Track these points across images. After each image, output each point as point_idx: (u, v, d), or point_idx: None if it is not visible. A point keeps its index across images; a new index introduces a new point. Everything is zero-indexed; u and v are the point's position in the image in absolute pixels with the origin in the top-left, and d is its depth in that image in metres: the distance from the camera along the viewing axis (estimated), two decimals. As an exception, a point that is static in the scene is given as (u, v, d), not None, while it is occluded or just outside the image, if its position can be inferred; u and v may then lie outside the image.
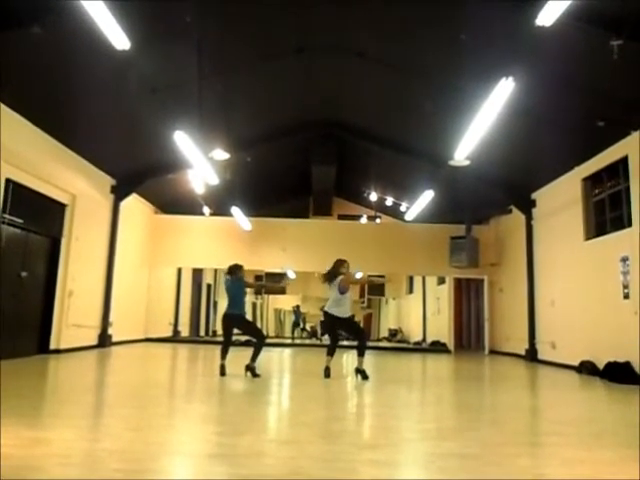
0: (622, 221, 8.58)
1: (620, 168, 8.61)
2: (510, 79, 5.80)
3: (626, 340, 8.00)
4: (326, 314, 7.33)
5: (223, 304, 21.80)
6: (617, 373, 7.87)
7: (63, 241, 9.65)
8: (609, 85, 7.13)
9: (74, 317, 9.84)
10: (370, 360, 7.17)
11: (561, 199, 10.44)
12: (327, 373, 7.04)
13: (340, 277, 7.14)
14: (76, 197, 9.91)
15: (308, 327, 22.25)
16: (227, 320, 7.32)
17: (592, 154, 9.17)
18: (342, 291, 7.11)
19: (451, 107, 8.47)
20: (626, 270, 8.19)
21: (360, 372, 7.00)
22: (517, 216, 12.25)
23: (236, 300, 7.28)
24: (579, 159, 9.53)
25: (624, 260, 8.23)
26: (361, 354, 7.09)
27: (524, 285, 11.78)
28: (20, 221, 8.34)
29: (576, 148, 9.12)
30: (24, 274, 8.49)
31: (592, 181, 9.65)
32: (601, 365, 8.45)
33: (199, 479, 2.83)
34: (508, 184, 11.73)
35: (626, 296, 8.18)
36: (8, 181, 7.83)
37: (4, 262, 7.74)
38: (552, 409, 5.69)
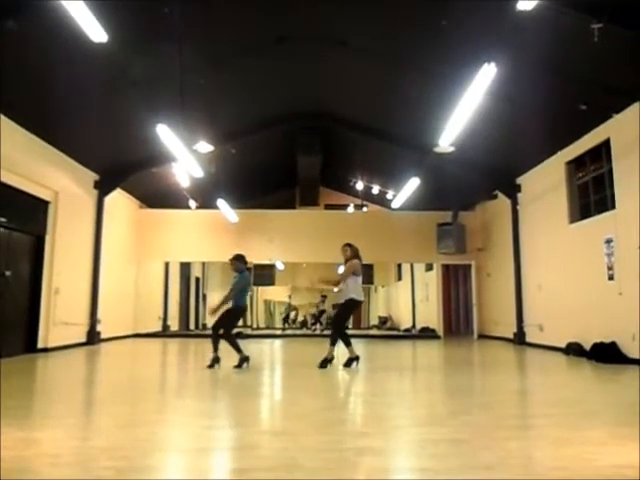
0: (606, 203, 8.67)
1: (603, 151, 8.69)
2: (492, 64, 5.79)
3: (612, 321, 8.13)
4: (355, 301, 7.26)
5: (213, 297, 21.58)
6: (604, 353, 7.99)
7: (47, 238, 9.53)
8: (591, 69, 7.16)
9: (61, 315, 9.75)
10: (360, 348, 7.19)
11: (545, 183, 10.52)
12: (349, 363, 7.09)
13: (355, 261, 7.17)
14: (59, 194, 9.78)
15: (300, 317, 22.38)
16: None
17: (575, 138, 9.24)
18: (358, 274, 7.17)
19: (435, 94, 8.48)
20: (610, 252, 8.29)
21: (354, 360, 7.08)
22: (502, 201, 12.33)
23: None
24: (562, 143, 9.61)
25: (608, 242, 8.33)
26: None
27: (511, 269, 11.89)
28: (2, 220, 8.22)
29: (559, 132, 9.18)
30: (8, 273, 8.39)
31: (576, 164, 9.73)
32: (588, 346, 8.57)
33: (191, 474, 2.82)
34: (493, 169, 11.79)
35: (611, 277, 8.29)
36: (-12, 179, 7.71)
37: (-13, 262, 7.62)
38: (541, 391, 5.77)
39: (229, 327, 7.16)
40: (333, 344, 7.13)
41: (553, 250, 10.23)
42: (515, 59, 6.64)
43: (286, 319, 22.16)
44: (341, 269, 7.32)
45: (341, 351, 7.51)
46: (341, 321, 7.68)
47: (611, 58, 6.69)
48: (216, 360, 6.96)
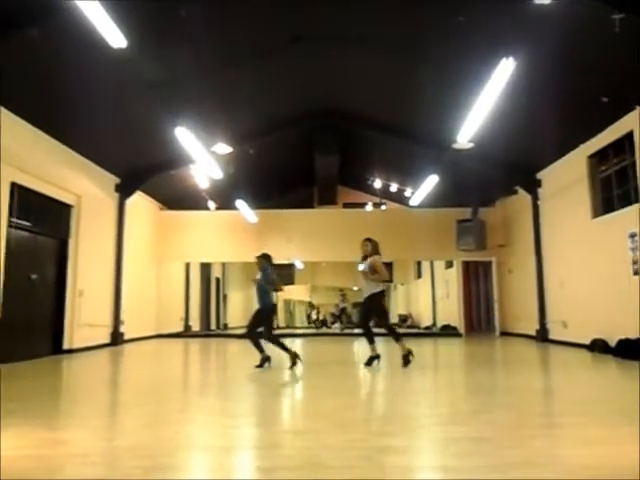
0: (629, 197, 8.50)
1: (626, 143, 8.53)
2: (511, 59, 5.74)
3: (638, 316, 7.97)
4: (383, 293, 7.28)
5: (233, 297, 21.74)
6: (630, 350, 7.85)
7: (71, 242, 9.70)
8: (612, 60, 7.03)
9: (85, 316, 9.92)
10: (381, 346, 7.18)
11: (567, 178, 10.36)
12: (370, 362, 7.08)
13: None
14: (81, 197, 9.95)
15: (320, 316, 22.47)
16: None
17: (597, 131, 9.08)
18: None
19: (453, 90, 8.41)
20: (635, 246, 8.14)
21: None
22: (523, 197, 12.18)
23: None
24: (584, 136, 9.45)
25: (632, 236, 8.17)
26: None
27: (533, 265, 11.74)
28: (27, 224, 8.39)
29: (580, 126, 9.03)
30: (34, 276, 8.56)
31: (598, 158, 9.56)
32: (613, 342, 8.43)
33: (216, 472, 2.85)
34: (513, 165, 11.66)
35: (636, 272, 8.13)
36: (14, 185, 7.87)
37: (14, 266, 7.79)
38: (566, 389, 5.69)
39: (268, 328, 7.21)
40: (397, 339, 7.07)
41: (576, 245, 10.08)
42: (534, 53, 6.57)
43: (308, 318, 22.34)
44: (361, 266, 7.24)
45: (363, 350, 7.50)
46: (382, 316, 7.65)
47: (633, 48, 6.55)
48: (266, 359, 7.02)
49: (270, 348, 7.08)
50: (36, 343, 8.67)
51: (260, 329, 7.15)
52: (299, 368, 6.87)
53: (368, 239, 7.27)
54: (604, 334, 8.83)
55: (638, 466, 2.61)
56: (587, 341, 9.19)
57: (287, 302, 25.53)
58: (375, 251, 7.17)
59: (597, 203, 9.53)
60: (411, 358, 6.94)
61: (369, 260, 7.12)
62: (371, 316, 7.68)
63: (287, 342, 7.15)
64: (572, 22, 6.36)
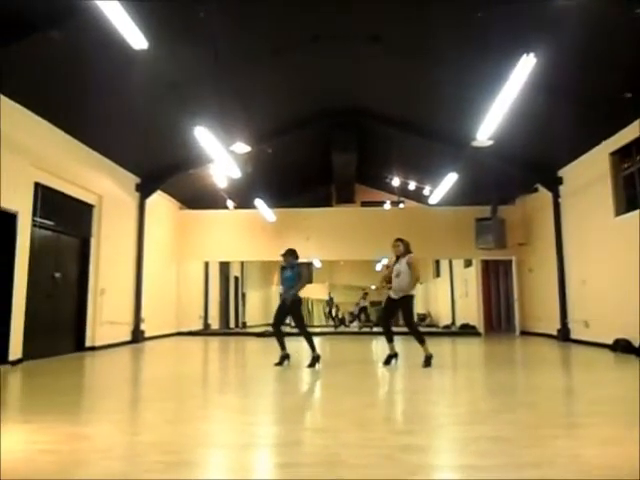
0: (653, 194, 8.35)
1: (650, 140, 8.38)
2: (531, 55, 5.67)
3: (662, 316, 7.83)
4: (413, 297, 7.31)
5: (251, 296, 21.84)
6: (653, 350, 7.71)
7: (92, 241, 9.86)
8: (634, 55, 6.91)
9: (107, 314, 10.07)
10: (399, 345, 7.16)
11: (589, 175, 10.20)
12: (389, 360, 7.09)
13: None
14: (103, 197, 10.10)
15: (340, 314, 22.51)
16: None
17: (619, 127, 8.92)
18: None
19: (472, 87, 8.33)
20: (659, 244, 7.98)
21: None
22: (544, 194, 12.03)
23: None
24: (606, 133, 9.29)
25: (657, 234, 8.02)
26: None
27: (554, 264, 11.59)
28: (51, 223, 8.55)
29: (602, 122, 8.88)
30: (57, 275, 8.72)
31: (620, 155, 9.40)
32: (636, 343, 8.29)
33: (237, 468, 2.88)
34: (533, 162, 11.52)
35: (660, 271, 7.98)
36: (37, 185, 8.03)
37: (38, 264, 7.94)
38: (588, 389, 5.62)
39: (299, 322, 7.30)
40: (422, 342, 7.03)
41: (598, 244, 9.93)
42: (554, 48, 6.48)
43: (329, 314, 22.42)
44: (398, 266, 7.06)
45: (381, 348, 7.48)
46: (412, 318, 7.58)
47: (657, 43, 6.44)
48: (286, 357, 7.10)
49: (291, 347, 7.11)
50: (59, 340, 8.83)
51: (285, 327, 7.22)
52: (317, 367, 6.89)
53: (400, 239, 7.15)
54: (627, 334, 8.68)
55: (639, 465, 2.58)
56: (609, 341, 9.05)
57: (305, 300, 25.62)
58: (407, 250, 7.11)
59: (620, 201, 9.37)
60: (432, 361, 6.92)
61: (407, 258, 7.02)
62: (394, 316, 7.65)
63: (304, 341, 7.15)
64: (594, 17, 6.27)
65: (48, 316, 8.37)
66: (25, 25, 6.11)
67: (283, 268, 7.46)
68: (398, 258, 7.11)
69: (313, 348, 7.04)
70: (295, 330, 7.37)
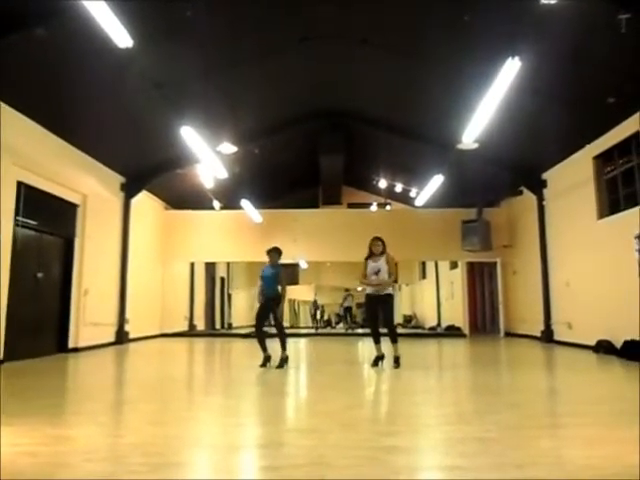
0: (635, 198, 8.47)
1: (632, 144, 8.50)
2: (516, 58, 5.73)
3: (643, 318, 7.94)
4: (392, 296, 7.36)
5: (237, 297, 21.71)
6: (635, 351, 7.82)
7: (76, 241, 9.74)
8: (618, 60, 7.01)
9: (91, 315, 9.95)
10: (386, 347, 7.18)
11: (572, 178, 10.33)
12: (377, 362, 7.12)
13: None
14: (87, 197, 9.99)
15: (326, 316, 22.50)
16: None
17: (603, 131, 9.05)
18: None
19: (458, 90, 8.40)
20: (641, 247, 8.10)
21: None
22: (528, 197, 12.15)
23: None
24: (590, 137, 9.41)
25: (638, 237, 8.14)
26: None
27: (538, 266, 11.71)
28: (34, 223, 8.43)
29: (586, 126, 9.00)
30: (40, 275, 8.60)
31: (604, 159, 9.53)
32: (618, 344, 8.40)
33: (222, 470, 2.86)
34: (518, 165, 11.63)
35: (642, 273, 8.10)
36: (20, 184, 7.91)
37: (20, 264, 7.83)
38: (571, 390, 5.68)
39: (278, 320, 7.29)
40: (395, 342, 7.07)
41: (581, 246, 10.05)
42: (539, 52, 6.55)
43: (313, 317, 22.35)
44: (375, 264, 7.08)
45: (368, 350, 7.50)
46: (392, 316, 7.67)
47: (639, 49, 6.53)
48: (268, 359, 7.08)
49: (273, 348, 7.09)
50: (42, 341, 8.71)
51: (266, 327, 7.19)
52: (291, 367, 6.91)
53: (379, 238, 7.16)
54: (609, 335, 8.80)
55: (639, 466, 2.61)
56: (592, 342, 9.16)
57: (291, 302, 25.57)
58: (385, 250, 7.15)
59: (603, 204, 9.50)
60: (400, 362, 6.98)
61: (386, 257, 7.03)
62: (379, 315, 7.66)
63: (291, 342, 7.14)
64: (579, 22, 6.36)
65: (30, 317, 8.26)
66: (9, 22, 6.02)
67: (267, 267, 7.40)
68: (372, 255, 7.10)
69: (284, 348, 7.09)
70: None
